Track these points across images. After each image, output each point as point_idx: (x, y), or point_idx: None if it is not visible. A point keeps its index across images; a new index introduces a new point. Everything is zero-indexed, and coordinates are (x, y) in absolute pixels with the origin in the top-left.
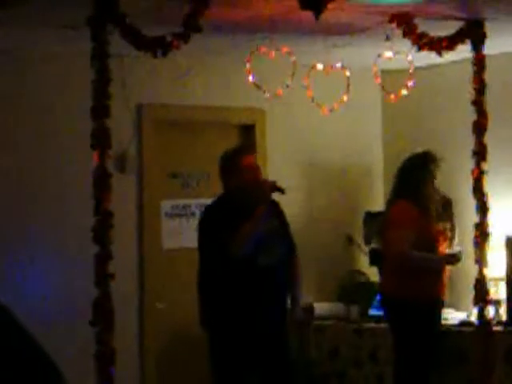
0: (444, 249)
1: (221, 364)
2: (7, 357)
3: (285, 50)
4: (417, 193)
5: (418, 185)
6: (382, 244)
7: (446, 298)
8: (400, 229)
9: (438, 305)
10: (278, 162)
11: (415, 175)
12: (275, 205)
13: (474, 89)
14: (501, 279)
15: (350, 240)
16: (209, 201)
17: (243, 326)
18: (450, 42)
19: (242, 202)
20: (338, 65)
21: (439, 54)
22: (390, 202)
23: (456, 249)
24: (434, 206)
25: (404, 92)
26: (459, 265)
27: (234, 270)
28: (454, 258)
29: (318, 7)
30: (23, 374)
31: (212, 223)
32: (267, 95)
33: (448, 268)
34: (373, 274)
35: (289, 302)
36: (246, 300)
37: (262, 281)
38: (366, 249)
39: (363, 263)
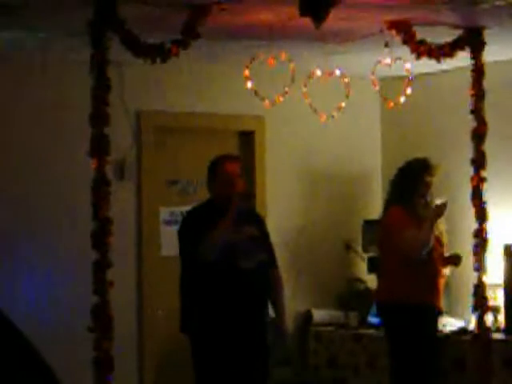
0: (440, 254)
1: (203, 368)
2: (3, 362)
3: (284, 56)
4: (409, 201)
5: (410, 194)
6: (380, 251)
7: (444, 305)
8: (402, 231)
9: (431, 310)
10: (276, 169)
11: (408, 184)
12: (254, 215)
13: (473, 96)
14: (499, 286)
15: (348, 247)
16: None
17: (222, 330)
18: (448, 50)
19: (218, 209)
20: (337, 72)
21: (438, 61)
22: (384, 210)
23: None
24: (427, 213)
25: (402, 99)
26: (458, 271)
27: (212, 273)
28: (444, 207)
29: (319, 16)
30: (20, 380)
31: (186, 229)
32: (266, 102)
33: (444, 275)
34: (371, 282)
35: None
36: (226, 303)
37: (242, 283)
38: (365, 256)
39: (362, 271)
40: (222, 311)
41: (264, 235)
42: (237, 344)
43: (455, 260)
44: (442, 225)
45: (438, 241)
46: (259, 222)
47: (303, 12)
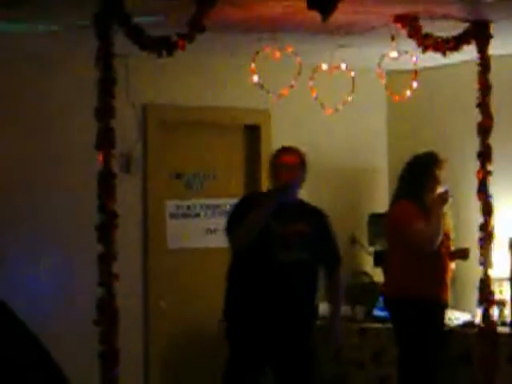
0: (447, 248)
1: (232, 357)
2: (9, 356)
3: (290, 50)
4: (418, 195)
5: (419, 188)
6: (388, 245)
7: (450, 298)
8: (413, 224)
9: (439, 304)
10: None
11: (417, 178)
12: (313, 211)
13: (479, 90)
14: (505, 280)
15: (353, 241)
16: (213, 201)
17: (255, 320)
18: (455, 43)
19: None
20: (343, 65)
21: (444, 54)
22: (392, 204)
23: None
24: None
25: (408, 93)
26: (463, 265)
27: (250, 263)
28: (446, 195)
29: (326, 9)
30: (26, 374)
31: (233, 214)
32: (272, 95)
33: (451, 269)
34: (377, 275)
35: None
36: (259, 293)
37: (279, 277)
38: (371, 250)
39: (368, 264)
40: (258, 303)
41: (321, 233)
42: (270, 338)
43: (463, 254)
44: (449, 219)
45: (446, 235)
46: (319, 219)
47: (310, 5)
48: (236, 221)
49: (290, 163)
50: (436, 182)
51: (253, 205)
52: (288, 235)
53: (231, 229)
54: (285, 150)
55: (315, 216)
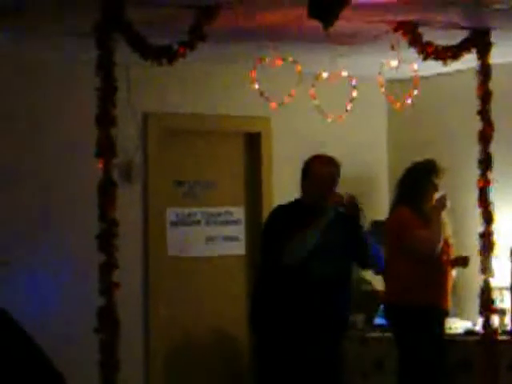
0: (448, 255)
1: (265, 371)
2: (12, 364)
3: (290, 58)
4: (417, 202)
5: (418, 195)
6: (388, 252)
7: (451, 306)
8: (414, 231)
9: (440, 312)
10: (283, 171)
11: (416, 185)
12: (348, 219)
13: (480, 98)
14: (505, 288)
15: None
16: (214, 209)
17: (289, 338)
18: (455, 51)
19: (305, 210)
20: (344, 73)
21: (444, 62)
22: (391, 210)
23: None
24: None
25: (409, 101)
26: (464, 273)
27: (286, 277)
28: (444, 199)
29: (328, 18)
30: (26, 379)
31: (272, 227)
32: (272, 103)
33: (452, 277)
34: (378, 283)
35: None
36: (295, 310)
37: (314, 292)
38: None
39: (368, 272)
40: (292, 317)
41: (357, 241)
42: (302, 355)
43: (463, 262)
44: (448, 227)
45: (446, 242)
46: (354, 228)
47: (312, 14)
48: (281, 237)
49: (333, 176)
50: (434, 189)
51: (294, 218)
52: (327, 246)
53: (269, 247)
54: (327, 162)
55: (350, 223)
